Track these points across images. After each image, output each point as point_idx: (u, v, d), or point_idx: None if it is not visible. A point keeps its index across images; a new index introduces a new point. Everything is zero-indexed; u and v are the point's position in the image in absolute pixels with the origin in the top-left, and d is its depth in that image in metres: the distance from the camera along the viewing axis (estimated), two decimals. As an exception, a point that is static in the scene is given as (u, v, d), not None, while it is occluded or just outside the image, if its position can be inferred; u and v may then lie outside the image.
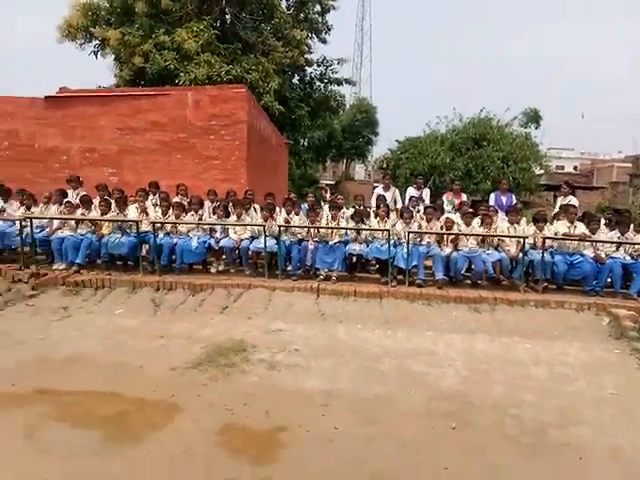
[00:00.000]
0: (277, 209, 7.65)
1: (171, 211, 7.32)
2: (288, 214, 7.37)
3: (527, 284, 6.79)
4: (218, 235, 7.30)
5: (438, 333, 5.68)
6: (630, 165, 32.19)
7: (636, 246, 6.64)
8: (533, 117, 27.58)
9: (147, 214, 7.37)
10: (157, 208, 7.53)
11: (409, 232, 6.61)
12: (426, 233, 6.92)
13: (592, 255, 6.60)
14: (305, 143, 23.38)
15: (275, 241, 7.02)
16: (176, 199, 7.90)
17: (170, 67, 14.00)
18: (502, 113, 22.80)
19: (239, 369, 4.59)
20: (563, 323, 5.90)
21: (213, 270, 7.40)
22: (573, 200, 7.95)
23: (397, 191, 9.09)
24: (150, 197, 7.95)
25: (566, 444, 3.47)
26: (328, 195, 9.72)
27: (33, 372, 4.47)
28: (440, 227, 7.04)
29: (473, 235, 6.79)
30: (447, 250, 6.80)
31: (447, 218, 7.01)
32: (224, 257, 7.50)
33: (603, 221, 7.31)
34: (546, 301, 6.19)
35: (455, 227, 6.93)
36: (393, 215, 7.54)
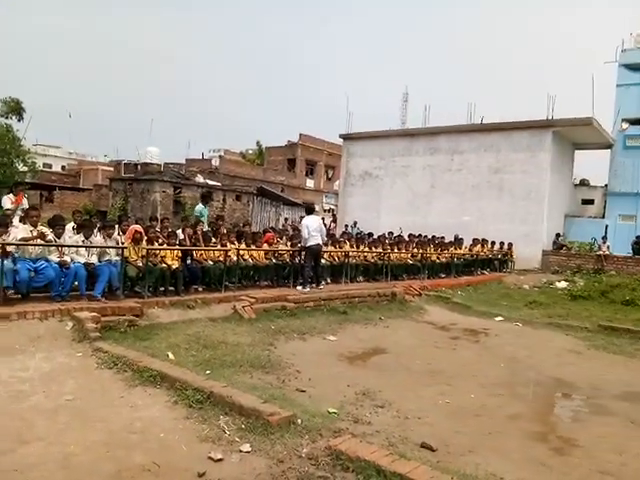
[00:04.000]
0: None
1: None
2: None
3: (-14, 296, 6.01)
4: None
5: None
6: (112, 169, 35.05)
7: (99, 249, 7.10)
8: (15, 108, 25.45)
9: None
10: None
11: None
12: None
13: (58, 260, 6.54)
14: None
15: None
16: None
17: None
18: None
19: None
20: (26, 335, 5.55)
21: None
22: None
23: None
24: None
25: (14, 469, 3.19)
26: None
27: None
28: None
29: None
30: None
31: None
32: None
33: (71, 225, 7.41)
34: (6, 314, 5.65)
35: None
36: None
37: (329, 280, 10.77)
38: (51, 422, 3.92)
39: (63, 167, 46.96)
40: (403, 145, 22.72)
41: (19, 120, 25.77)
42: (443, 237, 16.37)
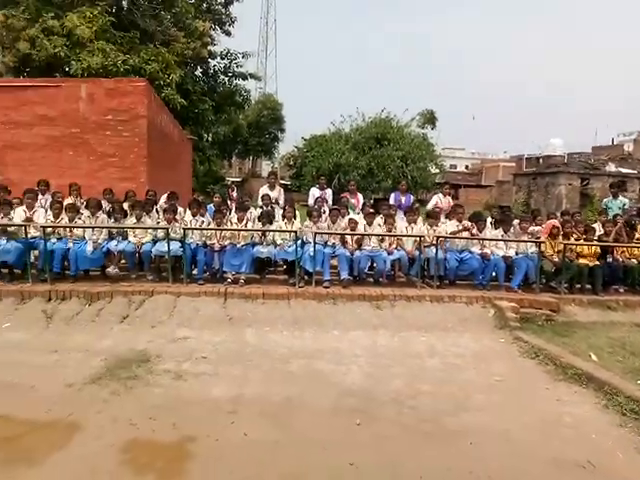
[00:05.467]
0: (180, 210, 7.45)
1: (64, 214, 6.81)
2: (194, 216, 7.21)
3: (423, 280, 7.25)
4: (115, 239, 6.93)
5: (343, 331, 5.91)
6: (514, 164, 35.49)
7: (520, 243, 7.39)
8: (429, 118, 29.30)
9: (34, 217, 6.80)
10: (48, 211, 6.97)
11: (316, 233, 6.77)
12: (333, 234, 7.13)
13: (479, 252, 7.21)
14: (209, 139, 22.93)
15: (179, 244, 6.83)
16: (68, 200, 7.41)
17: (60, 54, 13.01)
18: (401, 114, 23.86)
19: (143, 381, 4.43)
20: (455, 316, 6.41)
21: (111, 270, 6.86)
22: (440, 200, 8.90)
23: (282, 190, 9.28)
24: (40, 198, 7.37)
25: (459, 430, 3.77)
26: (235, 194, 9.61)
27: None
28: (344, 227, 7.29)
29: (375, 235, 7.12)
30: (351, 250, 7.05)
31: (351, 219, 7.28)
32: (123, 261, 7.14)
33: (489, 220, 8.00)
34: (440, 296, 6.66)
35: (359, 227, 7.22)
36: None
37: None
38: (485, 397, 4.38)
39: (466, 167, 50.91)
40: None
41: (432, 128, 29.53)
42: None
